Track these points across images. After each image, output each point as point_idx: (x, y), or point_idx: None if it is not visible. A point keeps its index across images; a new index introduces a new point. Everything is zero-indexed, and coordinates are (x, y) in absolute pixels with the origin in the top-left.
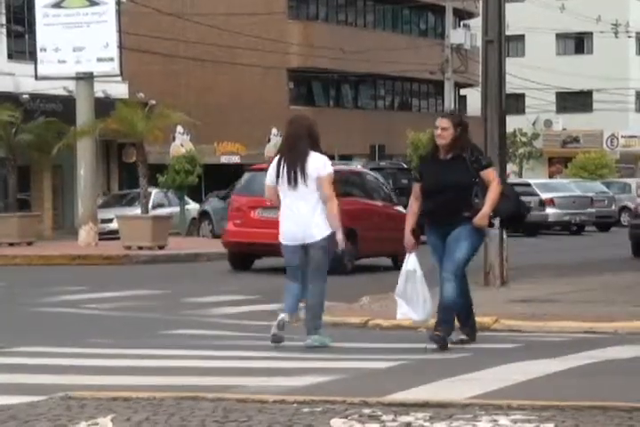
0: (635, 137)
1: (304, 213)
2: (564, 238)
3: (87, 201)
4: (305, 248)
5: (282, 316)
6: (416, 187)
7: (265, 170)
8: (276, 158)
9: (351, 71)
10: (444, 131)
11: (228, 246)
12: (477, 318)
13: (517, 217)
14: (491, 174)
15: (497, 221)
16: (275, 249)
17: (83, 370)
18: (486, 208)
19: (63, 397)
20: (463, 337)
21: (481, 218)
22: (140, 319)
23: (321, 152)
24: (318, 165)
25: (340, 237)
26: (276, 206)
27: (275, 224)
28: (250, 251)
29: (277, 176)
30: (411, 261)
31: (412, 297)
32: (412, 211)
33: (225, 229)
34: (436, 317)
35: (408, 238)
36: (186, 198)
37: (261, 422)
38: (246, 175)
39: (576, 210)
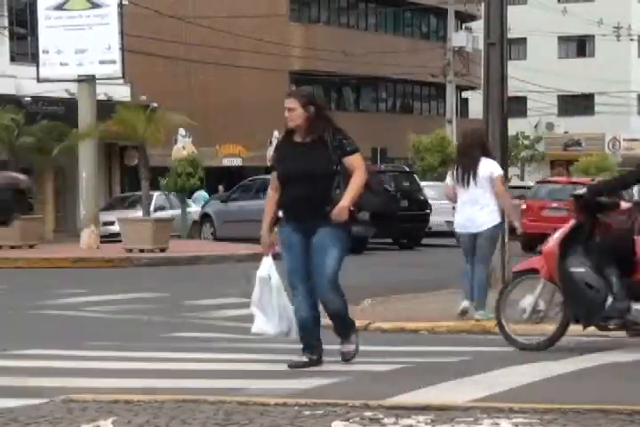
0: (637, 140)
1: (475, 208)
2: None
3: (89, 204)
4: (474, 236)
5: (464, 304)
6: (274, 175)
7: None
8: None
9: (353, 74)
10: (291, 112)
11: (525, 235)
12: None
13: (385, 213)
14: (356, 161)
15: (365, 216)
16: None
17: (84, 373)
18: (345, 200)
19: (64, 399)
20: (305, 359)
21: (338, 211)
22: (141, 322)
23: (493, 158)
24: (491, 168)
25: (517, 224)
26: (547, 207)
27: (557, 220)
28: (540, 238)
29: (456, 180)
30: (265, 266)
31: (267, 308)
32: (269, 204)
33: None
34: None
35: (264, 238)
36: (187, 201)
37: (263, 425)
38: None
39: None
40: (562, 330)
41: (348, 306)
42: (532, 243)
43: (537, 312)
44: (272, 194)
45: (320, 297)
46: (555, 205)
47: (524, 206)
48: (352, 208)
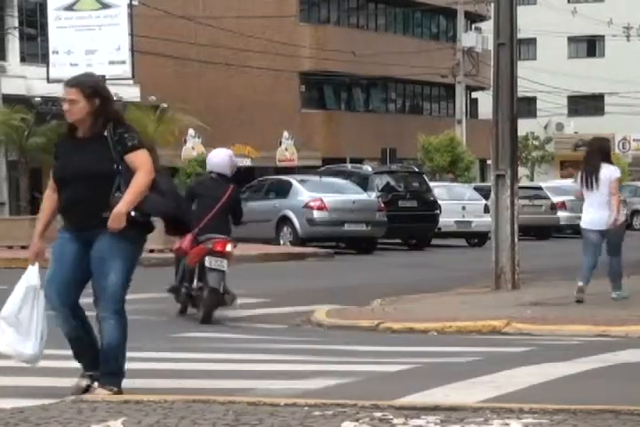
0: None
1: (597, 209)
2: (576, 242)
3: None
4: (602, 234)
5: (580, 284)
6: (53, 175)
7: None
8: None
9: (362, 74)
10: (72, 104)
11: None
12: (489, 322)
13: (175, 219)
14: (138, 158)
15: (146, 218)
16: None
17: None
18: (122, 204)
19: (74, 400)
20: (88, 383)
21: (114, 218)
22: (151, 322)
23: (612, 163)
24: (610, 173)
25: (610, 221)
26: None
27: None
28: None
29: (581, 184)
30: (32, 275)
31: (25, 323)
32: (44, 207)
33: None
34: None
35: (34, 244)
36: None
37: (273, 426)
38: None
39: None
40: None
41: (125, 339)
42: None
43: None
44: (49, 193)
45: (98, 319)
46: None
47: None
48: (134, 214)
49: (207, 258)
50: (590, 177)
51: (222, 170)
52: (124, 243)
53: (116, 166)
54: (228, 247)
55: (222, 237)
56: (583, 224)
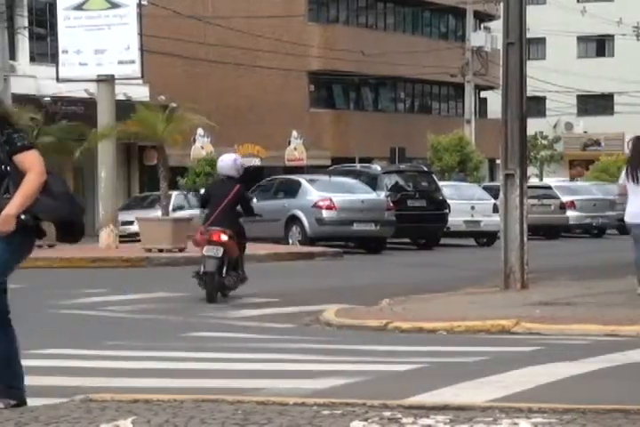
0: None
1: None
2: (585, 241)
3: (108, 204)
4: None
5: None
6: None
7: None
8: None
9: (371, 74)
10: None
11: None
12: (498, 321)
13: (68, 223)
14: (29, 159)
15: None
16: None
17: (103, 372)
18: (11, 207)
19: (84, 399)
20: (10, 402)
21: (2, 221)
22: (160, 322)
23: None
24: None
25: None
26: None
27: None
28: None
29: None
30: None
31: None
32: None
33: None
34: None
35: None
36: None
37: (281, 425)
38: None
39: (597, 213)
40: None
41: (11, 350)
42: None
43: None
44: None
45: None
46: None
47: None
48: (24, 217)
49: (205, 246)
50: (635, 171)
51: (229, 172)
52: (4, 246)
53: (3, 167)
54: (223, 237)
55: (218, 228)
56: (628, 218)
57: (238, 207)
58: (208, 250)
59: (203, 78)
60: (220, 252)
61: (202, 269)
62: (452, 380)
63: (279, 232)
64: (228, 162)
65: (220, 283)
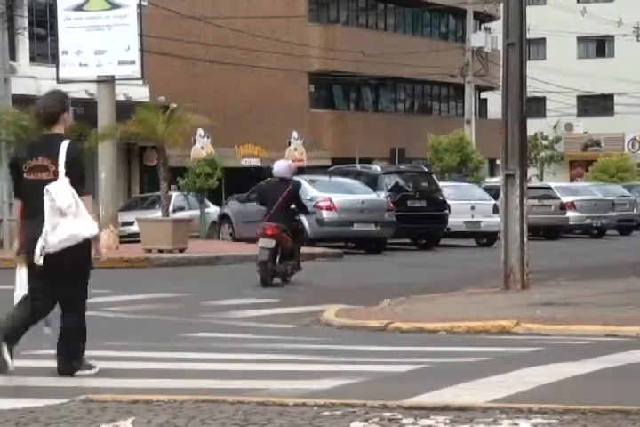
0: None
1: None
2: (585, 242)
3: (108, 204)
4: None
5: None
6: None
7: None
8: None
9: (371, 74)
10: None
11: None
12: (499, 322)
13: None
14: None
15: None
16: None
17: (104, 373)
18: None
19: (84, 400)
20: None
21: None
22: (160, 322)
23: None
24: None
25: None
26: None
27: None
28: None
29: None
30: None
31: None
32: None
33: None
34: None
35: None
36: (206, 201)
37: (282, 426)
38: None
39: (597, 213)
40: None
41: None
42: None
43: None
44: None
45: None
46: None
47: None
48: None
49: (260, 239)
50: None
51: (283, 174)
52: None
53: None
54: (275, 231)
55: (272, 224)
56: None
57: (294, 206)
58: (262, 242)
59: (203, 78)
60: (271, 244)
61: (258, 259)
62: (453, 380)
63: None
64: (284, 166)
65: (273, 270)
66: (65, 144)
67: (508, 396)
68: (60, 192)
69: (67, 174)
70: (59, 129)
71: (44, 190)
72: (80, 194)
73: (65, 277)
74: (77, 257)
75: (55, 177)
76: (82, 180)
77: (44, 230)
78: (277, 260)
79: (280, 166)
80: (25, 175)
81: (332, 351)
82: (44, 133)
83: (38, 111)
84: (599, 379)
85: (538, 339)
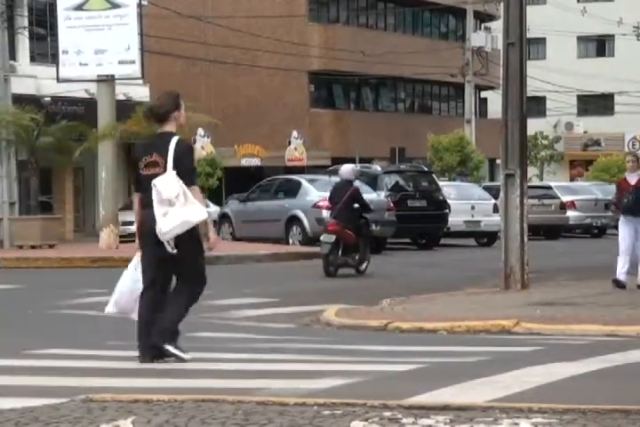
0: None
1: None
2: (586, 241)
3: (108, 204)
4: None
5: None
6: None
7: None
8: None
9: (372, 74)
10: None
11: None
12: (499, 321)
13: None
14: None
15: None
16: None
17: (104, 372)
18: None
19: (84, 399)
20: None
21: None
22: None
23: None
24: None
25: None
26: None
27: None
28: None
29: None
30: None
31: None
32: None
33: None
34: None
35: None
36: (206, 201)
37: (282, 425)
38: None
39: (597, 213)
40: None
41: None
42: None
43: None
44: None
45: None
46: None
47: None
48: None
49: (323, 234)
50: None
51: (348, 177)
52: None
53: None
54: (336, 228)
55: (334, 221)
56: None
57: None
58: (324, 237)
59: (202, 78)
60: (332, 238)
61: (321, 252)
62: (453, 380)
63: (279, 232)
64: (348, 169)
65: (334, 262)
66: (174, 140)
67: (508, 395)
68: (165, 184)
69: (174, 168)
70: (170, 127)
71: (152, 184)
72: (187, 185)
73: (182, 259)
74: (192, 239)
75: (165, 171)
76: (188, 172)
77: (156, 220)
78: (339, 253)
79: (345, 169)
80: (141, 171)
81: (332, 351)
82: (158, 132)
83: (150, 110)
84: (599, 379)
85: (538, 339)
